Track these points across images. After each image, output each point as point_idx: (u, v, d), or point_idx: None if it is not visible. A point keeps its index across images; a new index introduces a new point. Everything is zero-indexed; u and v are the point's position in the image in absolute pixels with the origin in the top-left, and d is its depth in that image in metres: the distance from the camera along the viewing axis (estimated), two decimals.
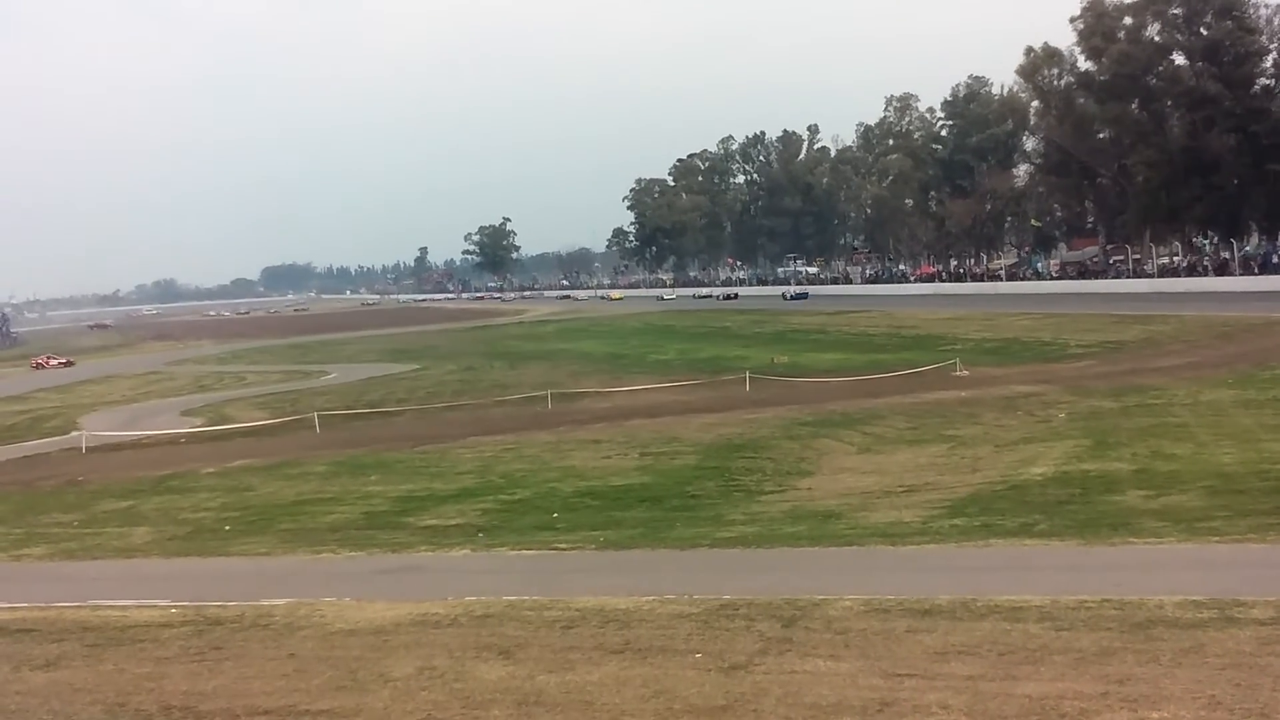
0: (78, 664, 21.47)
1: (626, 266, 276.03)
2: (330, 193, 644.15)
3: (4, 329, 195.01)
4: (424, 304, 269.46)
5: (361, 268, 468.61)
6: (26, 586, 28.45)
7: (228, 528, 34.46)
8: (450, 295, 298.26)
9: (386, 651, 20.79)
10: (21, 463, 53.60)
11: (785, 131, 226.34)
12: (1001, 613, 17.35)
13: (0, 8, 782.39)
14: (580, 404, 59.06)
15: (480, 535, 30.66)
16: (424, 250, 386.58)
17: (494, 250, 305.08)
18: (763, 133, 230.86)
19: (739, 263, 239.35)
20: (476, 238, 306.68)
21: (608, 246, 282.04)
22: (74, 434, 59.89)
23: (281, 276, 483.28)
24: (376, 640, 21.52)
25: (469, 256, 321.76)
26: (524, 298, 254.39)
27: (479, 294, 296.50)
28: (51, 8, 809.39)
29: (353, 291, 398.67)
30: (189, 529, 34.84)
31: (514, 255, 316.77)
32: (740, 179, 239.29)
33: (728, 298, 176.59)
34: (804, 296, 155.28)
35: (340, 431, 55.22)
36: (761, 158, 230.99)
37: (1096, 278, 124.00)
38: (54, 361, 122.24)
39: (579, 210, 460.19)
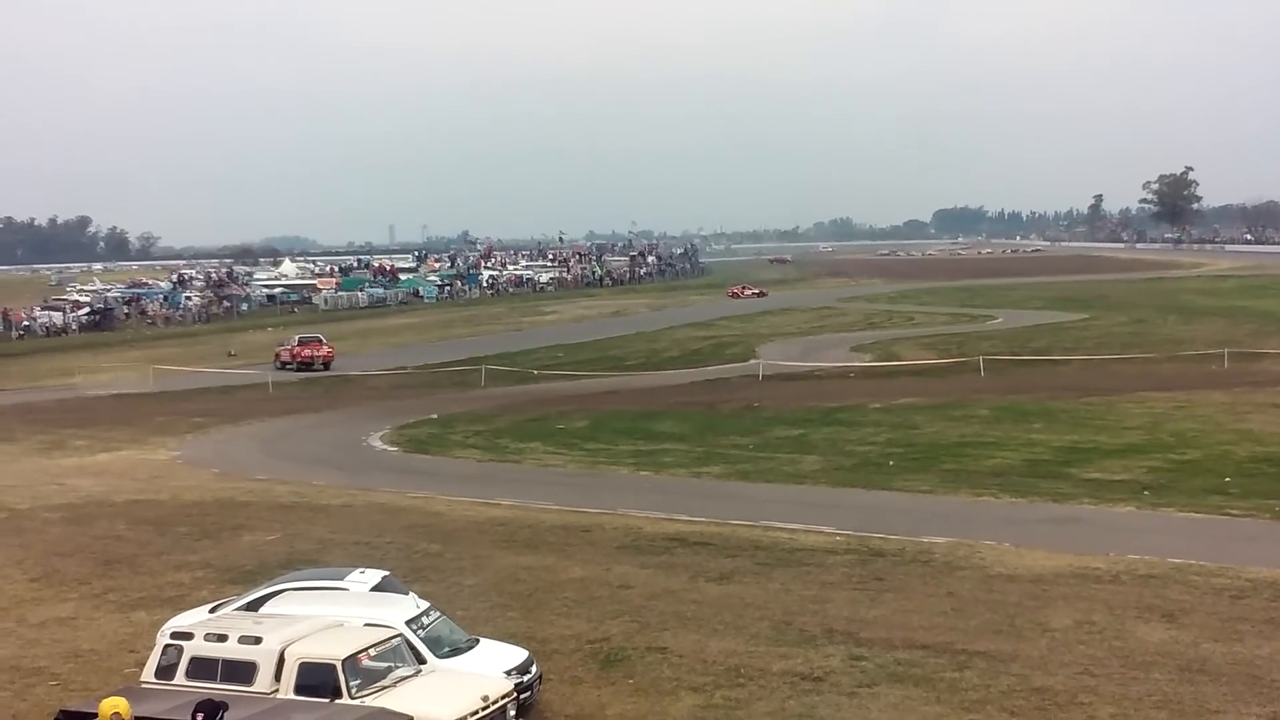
0: (749, 580, 23.07)
1: None
2: (999, 134, 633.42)
3: (693, 259, 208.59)
4: (1091, 252, 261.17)
5: (1033, 213, 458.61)
6: (705, 502, 30.76)
7: (891, 463, 35.47)
8: (1124, 245, 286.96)
9: (1045, 601, 20.87)
10: (705, 385, 57.50)
11: None
12: None
13: None
14: (1260, 365, 55.59)
15: (1146, 493, 29.88)
16: (1098, 198, 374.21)
17: (1173, 200, 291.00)
18: None
19: None
20: (1156, 186, 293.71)
21: None
22: (752, 362, 63.45)
23: (953, 219, 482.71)
24: (1035, 588, 21.64)
25: (1146, 206, 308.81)
26: (1205, 250, 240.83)
27: (1138, 244, 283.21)
28: None
29: (1023, 237, 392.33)
30: (855, 461, 36.17)
31: (1194, 206, 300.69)
32: None
33: None
34: None
35: (1005, 377, 55.07)
36: None
37: None
38: (749, 292, 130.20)
39: (1268, 161, 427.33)
